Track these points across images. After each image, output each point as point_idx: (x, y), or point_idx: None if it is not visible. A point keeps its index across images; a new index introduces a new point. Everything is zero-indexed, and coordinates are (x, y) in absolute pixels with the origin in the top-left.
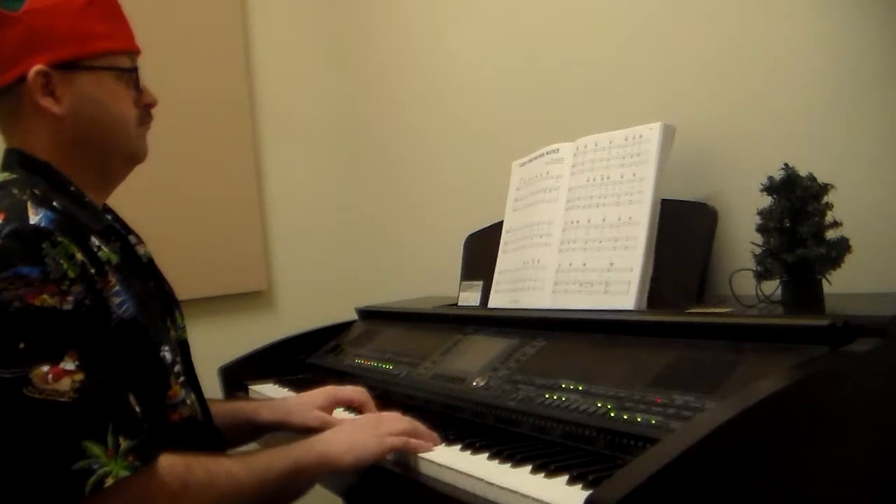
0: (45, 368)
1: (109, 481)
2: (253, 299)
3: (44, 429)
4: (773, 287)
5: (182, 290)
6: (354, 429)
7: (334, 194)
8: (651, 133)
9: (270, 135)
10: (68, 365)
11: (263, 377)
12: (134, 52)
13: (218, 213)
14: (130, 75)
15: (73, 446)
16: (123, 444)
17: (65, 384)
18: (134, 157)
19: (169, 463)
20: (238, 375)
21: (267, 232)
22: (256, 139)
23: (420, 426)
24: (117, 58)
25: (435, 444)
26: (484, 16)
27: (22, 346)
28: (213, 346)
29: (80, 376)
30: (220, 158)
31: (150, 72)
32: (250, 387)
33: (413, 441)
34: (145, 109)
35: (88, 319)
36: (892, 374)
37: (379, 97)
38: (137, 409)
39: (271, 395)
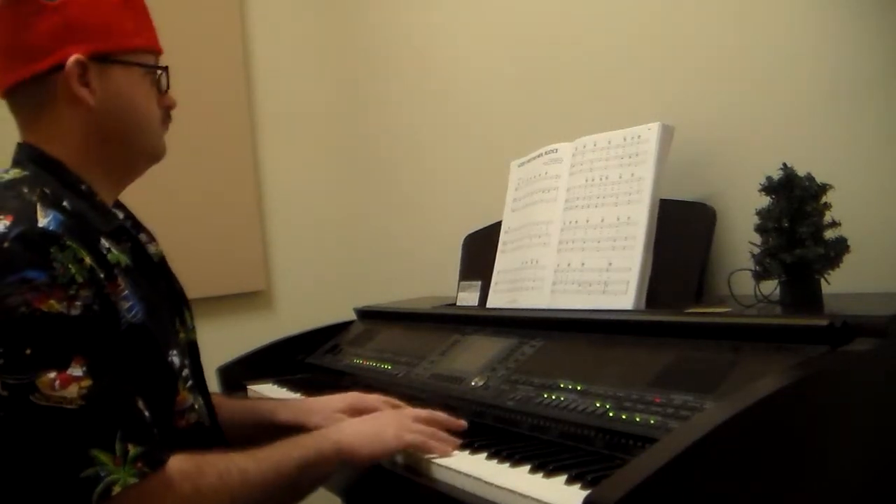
0: (52, 375)
1: (117, 489)
2: (252, 299)
3: (51, 436)
4: (771, 287)
5: None
6: (374, 422)
7: (333, 194)
8: (650, 133)
9: (269, 135)
10: (76, 371)
11: (262, 377)
12: (159, 53)
13: (217, 213)
14: (157, 74)
15: (80, 454)
16: (132, 450)
17: (72, 391)
18: (155, 154)
19: (179, 467)
20: (237, 375)
21: (266, 232)
22: (255, 139)
23: (439, 431)
24: (146, 56)
25: (453, 448)
26: (483, 16)
27: (28, 352)
28: (212, 346)
29: (87, 383)
30: (219, 158)
31: None
32: (249, 387)
33: (431, 442)
34: (166, 111)
35: (96, 325)
36: (891, 373)
37: (378, 97)
38: (147, 413)
39: (270, 395)
